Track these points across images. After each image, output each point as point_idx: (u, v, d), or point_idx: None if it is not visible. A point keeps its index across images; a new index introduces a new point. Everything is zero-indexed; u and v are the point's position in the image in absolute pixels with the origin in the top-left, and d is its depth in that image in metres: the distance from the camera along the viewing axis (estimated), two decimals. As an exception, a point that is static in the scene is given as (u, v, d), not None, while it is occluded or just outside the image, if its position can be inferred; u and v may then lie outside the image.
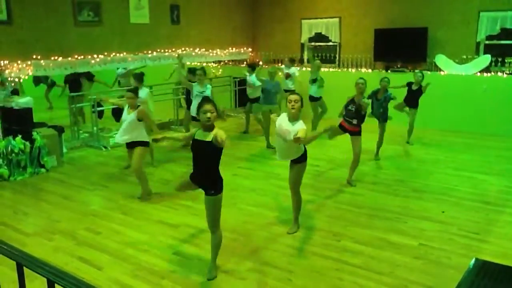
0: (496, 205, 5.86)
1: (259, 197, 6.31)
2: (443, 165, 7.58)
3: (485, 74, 9.69)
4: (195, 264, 4.46)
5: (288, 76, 10.28)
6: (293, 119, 4.75)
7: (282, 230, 5.19)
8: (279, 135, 4.86)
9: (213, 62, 12.95)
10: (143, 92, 7.50)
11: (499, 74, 9.58)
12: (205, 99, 4.17)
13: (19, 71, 7.82)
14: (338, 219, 5.49)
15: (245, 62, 13.18)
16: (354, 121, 6.52)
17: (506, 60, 9.76)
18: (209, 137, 3.96)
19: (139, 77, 7.74)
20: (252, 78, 9.50)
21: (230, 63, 13.21)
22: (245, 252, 4.70)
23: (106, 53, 9.18)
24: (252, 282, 4.12)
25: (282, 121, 4.83)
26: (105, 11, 9.15)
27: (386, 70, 10.82)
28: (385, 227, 5.24)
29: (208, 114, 3.94)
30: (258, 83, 9.11)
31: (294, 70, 10.37)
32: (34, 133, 7.51)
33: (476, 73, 9.80)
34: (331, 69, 11.74)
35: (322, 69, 11.60)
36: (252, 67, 9.78)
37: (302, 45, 12.79)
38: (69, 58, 8.61)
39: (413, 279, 4.12)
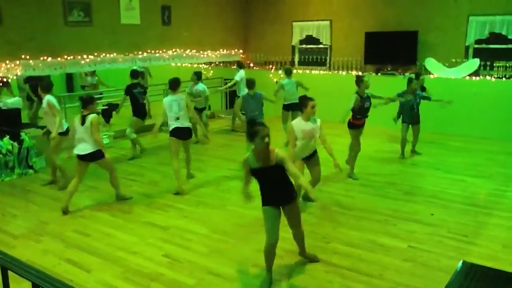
0: (485, 207, 5.90)
1: (250, 199, 6.29)
2: (433, 167, 7.63)
3: (474, 78, 9.77)
4: (185, 267, 4.44)
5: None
6: (308, 119, 5.28)
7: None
8: (306, 137, 5.26)
9: (204, 63, 12.94)
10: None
11: (488, 78, 9.67)
12: (260, 123, 3.95)
13: (7, 71, 7.75)
14: (327, 220, 5.50)
15: (235, 64, 13.18)
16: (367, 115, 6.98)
17: (494, 64, 9.85)
18: (272, 161, 3.88)
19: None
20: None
21: (221, 64, 13.19)
22: (234, 254, 4.69)
23: (96, 54, 9.12)
24: (242, 284, 4.12)
25: (301, 125, 5.27)
26: (96, 12, 9.10)
27: (377, 73, 10.88)
28: (374, 229, 5.26)
29: (267, 139, 3.80)
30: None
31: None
32: (23, 134, 7.44)
33: (465, 76, 9.89)
34: (321, 72, 11.78)
35: (313, 72, 11.67)
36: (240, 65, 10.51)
37: (293, 47, 12.81)
38: (59, 59, 8.55)
39: (402, 281, 4.14)
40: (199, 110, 9.18)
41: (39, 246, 4.89)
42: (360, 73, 11.05)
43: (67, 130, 6.61)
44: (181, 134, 6.56)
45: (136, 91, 8.29)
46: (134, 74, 8.58)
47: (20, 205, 6.17)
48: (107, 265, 4.47)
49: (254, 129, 3.83)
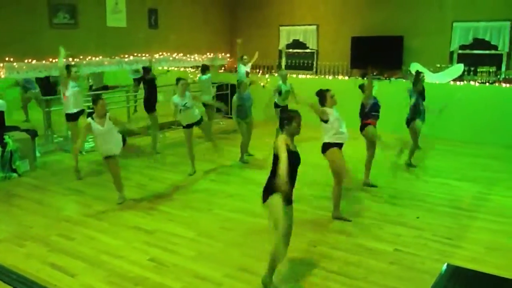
0: (469, 210, 5.97)
1: (237, 202, 6.29)
2: (418, 171, 7.69)
3: (458, 83, 9.90)
4: (171, 270, 4.41)
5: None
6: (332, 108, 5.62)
7: (258, 236, 5.18)
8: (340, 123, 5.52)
9: (191, 67, 12.91)
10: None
11: (472, 83, 9.81)
12: (296, 112, 4.10)
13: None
14: (315, 224, 5.51)
15: (222, 68, 13.18)
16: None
17: (478, 70, 10.00)
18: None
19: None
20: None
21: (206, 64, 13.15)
22: (221, 258, 4.68)
23: (82, 57, 9.05)
24: (228, 288, 4.10)
25: (336, 115, 5.55)
26: (81, 14, 9.04)
27: (363, 78, 10.94)
28: (361, 232, 5.29)
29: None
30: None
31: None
32: (6, 137, 7.33)
33: (450, 81, 10.01)
34: (308, 76, 11.83)
35: (300, 76, 11.71)
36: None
37: (280, 51, 12.85)
38: (44, 61, 8.46)
39: (388, 284, 4.16)
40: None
41: (23, 251, 4.82)
42: (346, 78, 11.14)
43: None
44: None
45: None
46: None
47: (3, 209, 6.07)
48: (92, 269, 4.42)
49: (292, 114, 4.03)
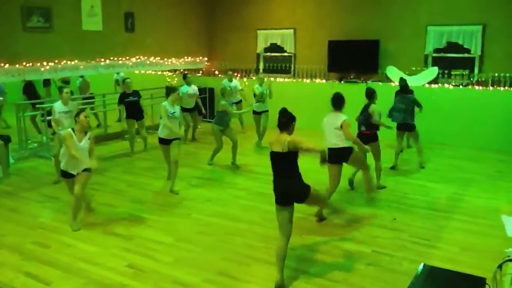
0: (445, 211, 6.08)
1: (216, 207, 6.27)
2: (394, 173, 7.79)
3: (433, 86, 10.08)
4: (150, 276, 4.36)
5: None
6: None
7: (238, 240, 5.18)
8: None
9: (168, 71, 12.84)
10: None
11: (446, 85, 10.00)
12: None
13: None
14: (293, 227, 5.50)
15: (200, 72, 13.15)
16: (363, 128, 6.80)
17: (452, 73, 10.20)
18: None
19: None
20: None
21: (186, 72, 13.11)
22: (200, 263, 4.65)
23: (57, 61, 8.91)
24: (208, 294, 4.08)
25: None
26: (56, 17, 8.88)
27: (340, 81, 11.07)
28: (339, 234, 5.33)
29: None
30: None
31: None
32: (-21, 143, 7.16)
33: (425, 84, 10.19)
34: (286, 80, 11.89)
35: (278, 79, 11.76)
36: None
37: (258, 55, 12.89)
38: (17, 66, 8.30)
39: (367, 285, 4.20)
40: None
41: (-4, 260, 4.71)
42: (323, 81, 11.23)
43: None
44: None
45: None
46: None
47: (-24, 217, 5.92)
48: (68, 277, 4.34)
49: (293, 115, 4.28)
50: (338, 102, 5.73)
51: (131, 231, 5.42)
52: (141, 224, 5.67)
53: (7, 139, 7.83)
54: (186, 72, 11.44)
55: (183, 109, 9.03)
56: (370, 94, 6.82)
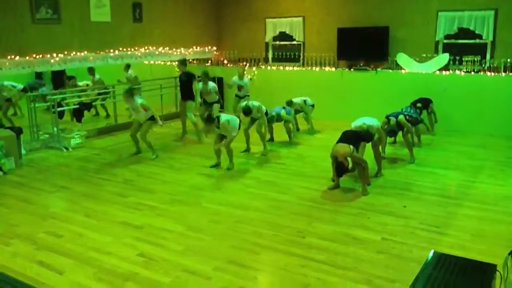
0: (455, 198, 6.04)
1: (225, 195, 6.30)
2: (404, 160, 7.75)
3: (444, 72, 9.97)
4: (160, 265, 4.40)
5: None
6: None
7: (247, 228, 5.20)
8: None
9: (176, 61, 12.82)
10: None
11: (457, 72, 9.88)
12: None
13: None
14: (302, 215, 5.53)
15: (209, 61, 13.12)
16: None
17: (463, 59, 10.07)
18: None
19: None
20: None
21: (195, 62, 13.11)
22: (210, 251, 4.68)
23: (66, 52, 8.95)
24: (218, 281, 4.11)
25: None
26: (65, 9, 8.92)
27: (349, 69, 10.99)
28: (348, 222, 5.32)
29: None
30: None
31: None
32: (-10, 135, 7.25)
33: (436, 71, 10.08)
34: (295, 68, 11.84)
35: (287, 68, 11.71)
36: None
37: (267, 44, 12.83)
38: (27, 58, 8.35)
39: (377, 273, 4.20)
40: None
41: (9, 249, 4.77)
42: (333, 69, 11.16)
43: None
44: None
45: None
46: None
47: (-11, 207, 6.01)
48: (80, 266, 4.40)
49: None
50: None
51: (142, 220, 5.46)
52: (151, 213, 5.71)
53: (18, 131, 7.91)
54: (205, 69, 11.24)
55: (205, 102, 9.16)
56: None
